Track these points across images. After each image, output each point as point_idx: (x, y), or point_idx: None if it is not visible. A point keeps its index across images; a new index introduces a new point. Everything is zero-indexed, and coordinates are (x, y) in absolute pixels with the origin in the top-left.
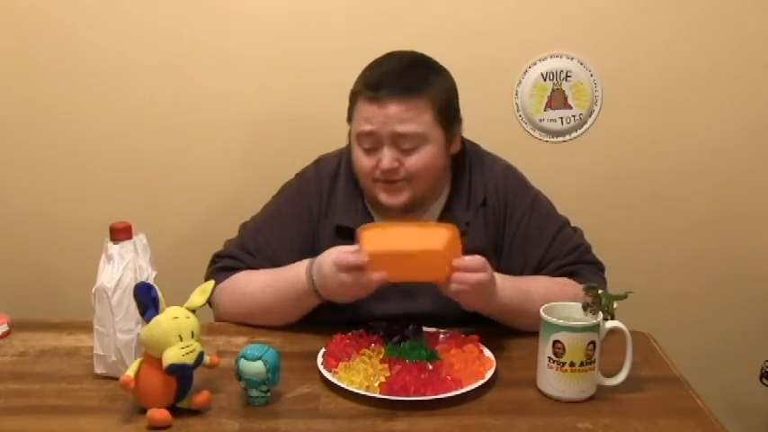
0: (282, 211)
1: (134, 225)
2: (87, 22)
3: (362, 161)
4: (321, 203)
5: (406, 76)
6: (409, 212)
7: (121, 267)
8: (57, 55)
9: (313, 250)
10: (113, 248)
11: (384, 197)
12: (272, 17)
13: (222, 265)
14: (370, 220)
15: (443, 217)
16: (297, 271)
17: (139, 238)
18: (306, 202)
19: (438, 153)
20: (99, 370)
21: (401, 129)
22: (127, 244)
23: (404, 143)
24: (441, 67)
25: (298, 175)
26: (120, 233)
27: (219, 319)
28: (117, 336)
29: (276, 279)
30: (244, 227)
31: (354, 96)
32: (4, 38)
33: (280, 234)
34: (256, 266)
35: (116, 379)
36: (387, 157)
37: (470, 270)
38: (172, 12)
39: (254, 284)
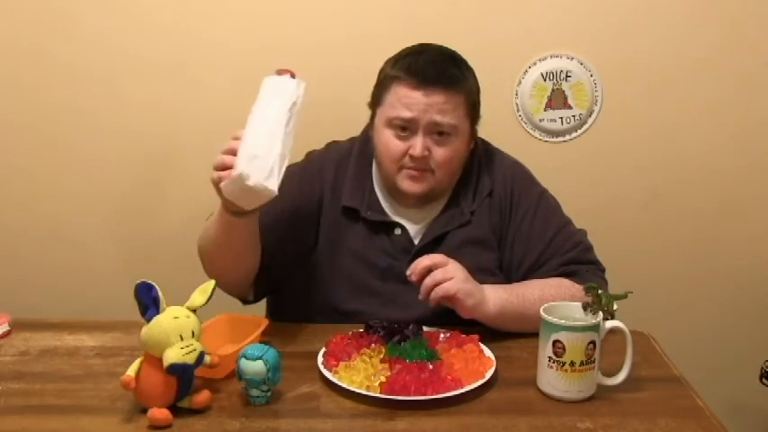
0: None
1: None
2: (87, 20)
3: (393, 145)
4: (326, 185)
5: (449, 68)
6: (419, 200)
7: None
8: (58, 54)
9: (302, 227)
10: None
11: (407, 184)
12: (273, 15)
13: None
14: (376, 202)
15: (448, 207)
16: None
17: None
18: (307, 181)
19: (463, 147)
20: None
21: (439, 118)
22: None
23: (438, 133)
24: (468, 64)
25: (308, 154)
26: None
27: (204, 267)
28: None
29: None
30: None
31: (389, 80)
32: (6, 37)
33: (269, 207)
34: None
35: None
36: (419, 144)
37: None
38: (173, 10)
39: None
